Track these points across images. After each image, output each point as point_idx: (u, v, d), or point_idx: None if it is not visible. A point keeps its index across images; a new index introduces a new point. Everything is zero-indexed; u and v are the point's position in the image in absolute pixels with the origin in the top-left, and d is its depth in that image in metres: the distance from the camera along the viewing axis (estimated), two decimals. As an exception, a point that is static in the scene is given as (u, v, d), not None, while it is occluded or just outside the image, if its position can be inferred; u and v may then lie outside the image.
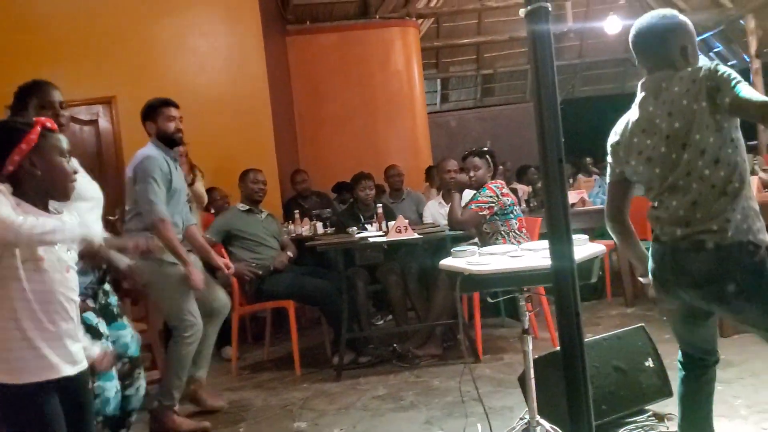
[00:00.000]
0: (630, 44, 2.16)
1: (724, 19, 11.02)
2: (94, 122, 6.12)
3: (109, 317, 2.74)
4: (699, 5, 11.20)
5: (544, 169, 1.22)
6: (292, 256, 4.77)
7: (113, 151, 6.05)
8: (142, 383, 2.84)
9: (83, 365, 1.89)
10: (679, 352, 2.27)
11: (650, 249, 2.15)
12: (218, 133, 5.69)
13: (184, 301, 3.43)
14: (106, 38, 6.02)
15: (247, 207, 4.75)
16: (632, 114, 2.12)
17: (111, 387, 2.55)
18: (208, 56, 6.19)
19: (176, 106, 3.58)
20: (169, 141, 3.54)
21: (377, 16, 8.61)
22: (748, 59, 10.82)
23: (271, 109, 6.22)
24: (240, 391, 4.12)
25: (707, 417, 2.24)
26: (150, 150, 3.49)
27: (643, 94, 2.09)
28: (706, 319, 2.11)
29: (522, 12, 1.21)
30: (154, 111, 3.53)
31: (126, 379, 2.76)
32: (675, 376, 3.01)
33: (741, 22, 10.71)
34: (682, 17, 2.10)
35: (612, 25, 10.05)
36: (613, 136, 2.20)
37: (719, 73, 1.89)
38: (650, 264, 2.14)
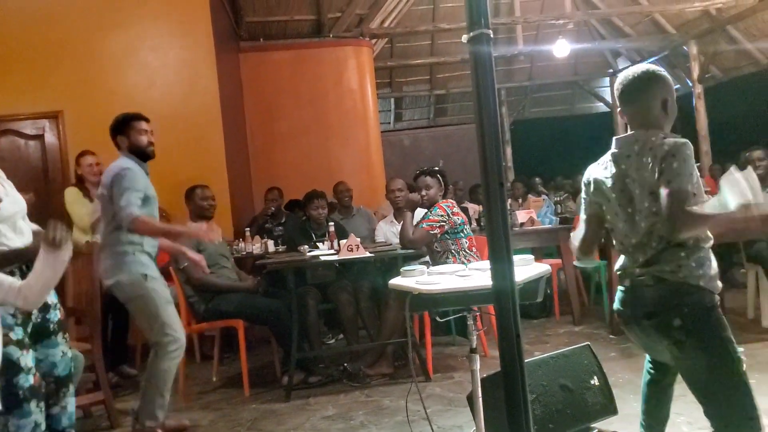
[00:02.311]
0: (616, 94, 2.31)
1: (667, 45, 11.42)
2: (39, 137, 5.97)
3: (43, 335, 2.66)
4: (644, 31, 11.60)
5: (485, 192, 1.24)
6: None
7: (59, 166, 5.91)
8: (69, 401, 2.76)
9: None
10: (647, 357, 2.45)
11: (616, 294, 2.32)
12: (168, 150, 5.58)
13: (167, 315, 3.43)
14: (53, 51, 5.90)
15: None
16: (609, 165, 2.26)
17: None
18: (159, 71, 6.11)
19: (147, 120, 3.61)
20: (142, 154, 3.56)
21: (331, 35, 8.65)
22: (690, 84, 11.23)
23: (222, 125, 6.16)
24: (187, 412, 4.03)
25: (667, 413, 2.42)
26: (127, 162, 3.50)
27: (618, 150, 2.24)
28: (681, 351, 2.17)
29: (464, 38, 1.23)
30: (125, 125, 3.54)
31: (51, 398, 2.67)
32: (620, 394, 3.10)
33: (684, 48, 11.12)
34: (664, 72, 2.26)
35: (561, 48, 10.29)
36: (590, 174, 2.33)
37: (670, 161, 2.05)
38: (616, 305, 2.32)
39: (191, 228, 3.50)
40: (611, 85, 14.08)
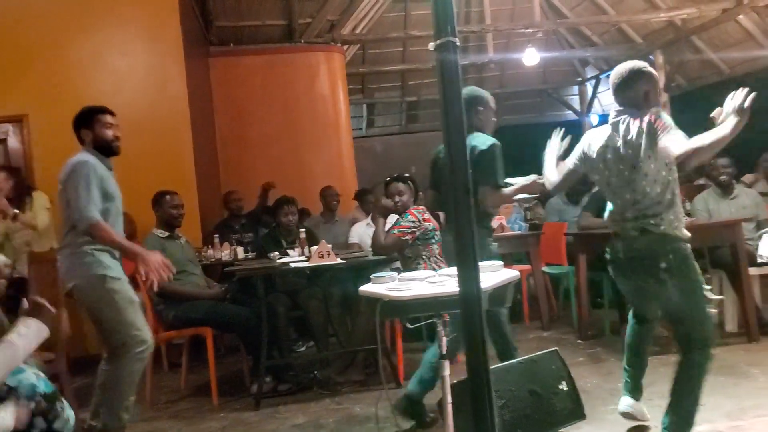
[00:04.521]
0: (610, 86, 2.91)
1: (634, 55, 11.59)
2: (2, 141, 5.86)
3: None
4: (611, 41, 11.79)
5: (452, 198, 1.24)
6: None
7: (24, 172, 5.79)
8: (70, 413, 2.66)
9: None
10: (631, 311, 3.08)
11: (607, 247, 2.96)
12: (136, 156, 5.50)
13: (132, 315, 3.25)
14: (19, 54, 5.79)
15: (167, 233, 4.60)
16: (607, 129, 2.87)
17: None
18: (127, 76, 6.04)
19: (113, 114, 3.45)
20: (106, 149, 3.39)
21: (302, 41, 8.64)
22: (656, 93, 11.42)
23: (191, 131, 6.10)
24: (154, 422, 3.97)
25: (645, 355, 3.07)
26: (83, 156, 3.31)
27: (616, 120, 2.83)
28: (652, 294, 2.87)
29: (431, 45, 1.24)
30: (91, 117, 3.38)
31: (48, 414, 2.58)
32: (588, 399, 3.13)
33: (650, 57, 11.31)
34: (649, 68, 2.82)
35: (530, 57, 10.40)
36: (590, 136, 2.97)
37: (655, 124, 2.64)
38: (608, 257, 2.95)
39: (148, 255, 3.24)
40: (580, 93, 14.29)
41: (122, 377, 3.25)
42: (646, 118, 2.68)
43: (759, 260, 4.74)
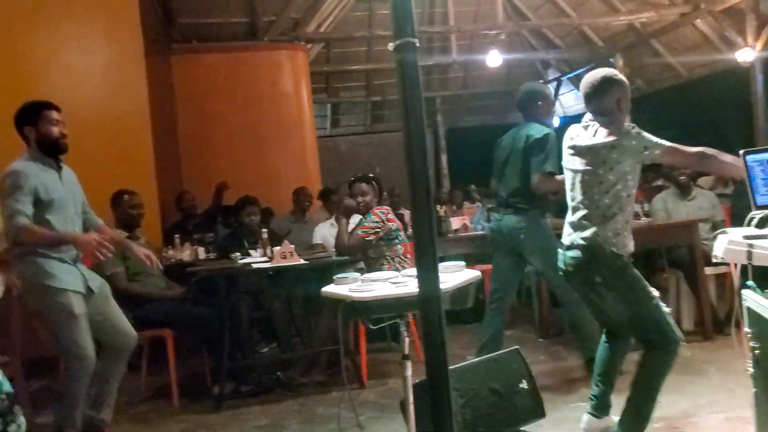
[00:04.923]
0: (581, 94, 2.92)
1: (595, 57, 11.79)
2: (-48, 140, 5.67)
3: None
4: (573, 43, 11.96)
5: (412, 200, 1.24)
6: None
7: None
8: (22, 419, 2.61)
9: None
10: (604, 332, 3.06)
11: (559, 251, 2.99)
12: (94, 155, 5.40)
13: (71, 330, 3.11)
14: (-31, 50, 5.62)
15: (126, 233, 4.51)
16: (579, 130, 2.90)
17: None
18: (85, 73, 5.89)
19: (59, 110, 3.27)
20: (52, 148, 3.22)
21: (266, 39, 8.56)
22: (616, 95, 11.61)
23: (151, 129, 5.99)
24: (114, 425, 3.86)
25: (615, 375, 3.01)
26: (16, 164, 3.15)
27: (587, 124, 2.86)
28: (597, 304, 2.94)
29: (391, 46, 1.24)
30: (34, 114, 3.20)
31: (7, 415, 2.53)
32: (548, 397, 3.18)
33: (610, 60, 11.50)
34: (620, 76, 2.86)
35: (493, 59, 10.48)
36: (566, 135, 3.00)
37: (638, 136, 2.69)
38: (560, 264, 2.98)
39: (81, 237, 3.13)
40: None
41: (66, 388, 3.19)
42: (624, 128, 2.72)
43: (714, 260, 4.85)
